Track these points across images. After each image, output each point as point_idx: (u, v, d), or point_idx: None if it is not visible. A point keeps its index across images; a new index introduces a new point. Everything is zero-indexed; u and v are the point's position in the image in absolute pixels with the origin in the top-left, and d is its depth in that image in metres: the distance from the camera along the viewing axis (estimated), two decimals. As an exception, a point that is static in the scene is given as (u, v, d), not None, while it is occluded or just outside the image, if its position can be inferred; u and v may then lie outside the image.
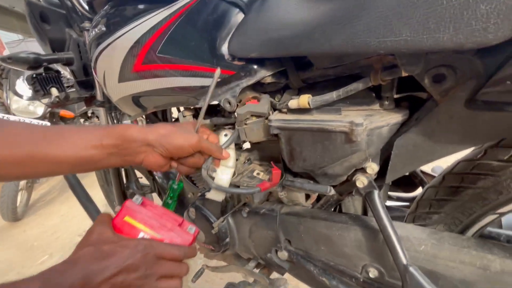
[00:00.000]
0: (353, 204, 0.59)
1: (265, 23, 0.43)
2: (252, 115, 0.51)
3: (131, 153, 0.44)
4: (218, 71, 0.45)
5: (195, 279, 0.75)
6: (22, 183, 2.20)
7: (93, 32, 0.64)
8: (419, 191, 0.62)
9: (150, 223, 0.42)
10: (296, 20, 0.39)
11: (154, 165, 0.46)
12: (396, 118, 0.38)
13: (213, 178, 0.53)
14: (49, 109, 2.35)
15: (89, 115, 2.76)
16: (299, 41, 0.38)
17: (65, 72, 1.42)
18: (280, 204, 0.63)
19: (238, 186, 0.55)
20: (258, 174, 0.55)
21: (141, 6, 0.56)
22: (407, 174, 0.69)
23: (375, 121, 0.38)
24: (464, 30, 0.24)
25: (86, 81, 0.91)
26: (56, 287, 0.29)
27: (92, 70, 0.80)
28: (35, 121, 2.18)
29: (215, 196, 0.53)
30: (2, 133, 0.35)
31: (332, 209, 0.60)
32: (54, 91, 0.85)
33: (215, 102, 0.55)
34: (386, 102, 0.40)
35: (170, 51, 0.54)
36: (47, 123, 2.24)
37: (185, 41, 0.52)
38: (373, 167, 0.42)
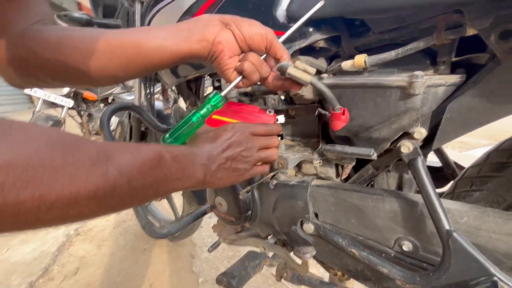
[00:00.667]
0: (387, 182, 0.58)
1: (329, -16, 0.46)
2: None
3: (206, 32, 0.40)
4: (321, 2, 0.43)
5: (211, 249, 0.74)
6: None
7: (152, -6, 0.68)
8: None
9: (235, 115, 0.50)
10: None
11: (226, 46, 0.41)
12: (453, 79, 0.39)
13: None
14: (73, 89, 2.43)
15: (109, 100, 2.84)
16: (364, -3, 0.40)
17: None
18: (311, 176, 0.63)
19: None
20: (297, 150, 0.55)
21: (203, -29, 0.60)
22: (439, 166, 0.68)
23: (433, 78, 0.38)
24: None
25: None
26: (188, 162, 0.37)
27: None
28: (60, 98, 2.26)
29: (300, 73, 0.43)
30: (110, 32, 0.40)
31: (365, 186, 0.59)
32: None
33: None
34: (442, 67, 0.41)
35: (227, 12, 0.56)
36: (70, 100, 2.31)
37: (243, 4, 0.55)
38: (421, 131, 0.43)
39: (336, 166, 0.63)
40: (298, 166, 0.68)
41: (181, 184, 0.37)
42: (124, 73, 0.42)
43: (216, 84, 0.89)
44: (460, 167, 0.66)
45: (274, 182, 0.67)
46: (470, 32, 0.36)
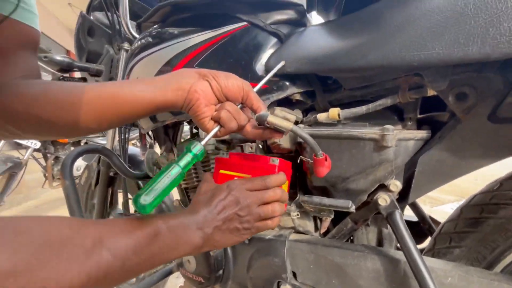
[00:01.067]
0: (367, 237, 0.56)
1: (302, 45, 0.50)
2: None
3: (182, 82, 0.41)
4: (282, 63, 0.47)
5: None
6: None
7: (138, 43, 0.70)
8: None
9: (239, 168, 0.48)
10: (331, 42, 0.46)
11: (202, 94, 0.41)
12: (421, 134, 0.41)
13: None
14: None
15: (82, 143, 2.72)
16: (334, 58, 0.44)
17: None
18: (289, 230, 0.59)
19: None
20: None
21: (189, 28, 0.64)
22: (416, 220, 0.68)
23: (403, 133, 0.40)
24: (490, 43, 0.30)
25: (106, 94, 0.95)
26: (184, 229, 0.37)
27: (123, 78, 0.85)
28: (25, 139, 2.12)
29: (280, 120, 0.43)
30: (86, 86, 0.41)
31: (344, 241, 0.56)
32: (74, 96, 0.87)
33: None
34: (409, 123, 0.44)
35: (208, 66, 0.59)
36: (37, 142, 2.18)
37: (225, 58, 0.58)
38: (397, 184, 0.43)
39: (315, 219, 0.60)
40: (275, 218, 0.64)
41: (177, 253, 0.37)
42: (97, 125, 0.42)
43: (195, 130, 0.88)
44: (436, 222, 0.66)
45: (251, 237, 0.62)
46: (431, 92, 0.39)
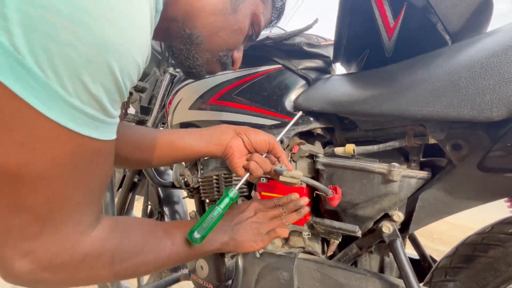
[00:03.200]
0: (370, 263, 0.61)
1: (327, 89, 0.61)
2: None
3: (221, 138, 0.53)
4: (300, 113, 0.60)
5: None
6: None
7: (186, 71, 0.83)
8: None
9: (276, 190, 0.62)
10: (353, 90, 0.56)
11: (236, 150, 0.52)
12: (422, 174, 0.49)
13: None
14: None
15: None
16: (354, 103, 0.53)
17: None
18: (299, 249, 0.65)
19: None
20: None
21: (232, 63, 0.77)
22: (417, 258, 0.72)
23: (407, 171, 0.48)
24: (477, 108, 0.39)
25: (146, 108, 1.07)
26: (216, 231, 0.48)
27: (162, 99, 0.98)
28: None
29: (289, 178, 0.53)
30: (153, 131, 0.56)
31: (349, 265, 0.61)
32: (120, 107, 1.00)
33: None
34: (413, 164, 0.52)
35: (245, 96, 0.70)
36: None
37: (260, 92, 0.69)
38: (399, 215, 0.50)
39: (323, 242, 0.65)
40: (286, 238, 0.70)
41: (210, 247, 0.50)
42: (156, 163, 0.56)
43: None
44: (435, 261, 0.70)
45: (261, 251, 0.68)
46: (432, 141, 0.48)
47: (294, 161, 0.61)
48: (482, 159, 0.42)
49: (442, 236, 2.68)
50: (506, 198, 0.50)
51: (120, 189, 1.15)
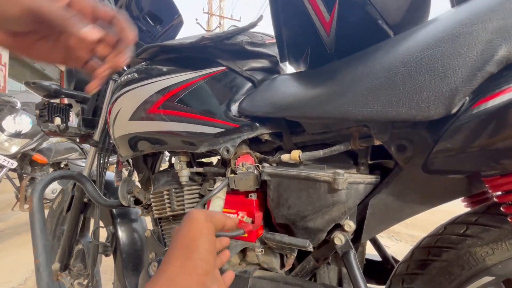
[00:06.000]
0: (328, 275, 0.57)
1: (272, 92, 0.56)
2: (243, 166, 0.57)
3: None
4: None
5: None
6: None
7: (124, 78, 0.75)
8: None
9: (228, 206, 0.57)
10: (297, 91, 0.51)
11: None
12: (370, 178, 0.46)
13: None
14: (23, 150, 2.26)
15: (62, 166, 2.65)
16: (298, 105, 0.49)
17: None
18: (254, 266, 0.59)
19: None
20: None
21: (174, 67, 0.70)
22: (380, 260, 0.70)
23: (353, 177, 0.44)
24: (415, 107, 0.35)
25: (90, 120, 0.97)
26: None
27: (106, 109, 0.88)
28: (3, 158, 2.06)
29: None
30: None
31: (307, 279, 0.57)
32: (57, 120, 0.89)
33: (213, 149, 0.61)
34: (362, 167, 0.48)
35: (187, 102, 0.64)
36: (14, 162, 2.11)
37: (203, 97, 0.63)
38: (350, 224, 0.46)
39: (281, 256, 0.61)
40: (243, 254, 0.64)
41: None
42: None
43: (173, 161, 0.91)
44: (397, 262, 0.68)
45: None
46: (377, 142, 0.44)
47: (236, 173, 0.55)
48: (425, 160, 0.39)
49: (415, 220, 2.77)
50: (462, 198, 0.48)
51: (69, 212, 1.03)
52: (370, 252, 0.71)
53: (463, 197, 0.48)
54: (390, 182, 0.45)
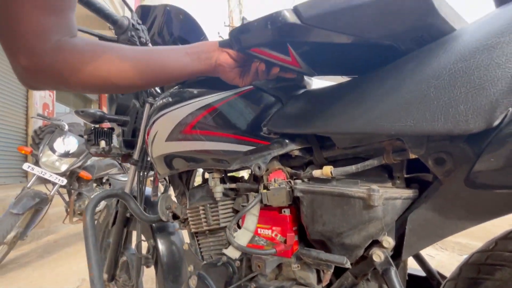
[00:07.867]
0: (368, 292, 0.55)
1: (300, 108, 0.57)
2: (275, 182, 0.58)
3: (207, 56, 0.56)
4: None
5: None
6: (9, 236, 2.07)
7: (160, 102, 0.81)
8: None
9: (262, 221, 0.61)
10: (325, 107, 0.52)
11: (226, 64, 0.57)
12: (407, 193, 0.44)
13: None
14: (71, 168, 2.49)
15: (103, 181, 2.86)
16: (327, 121, 0.49)
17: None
18: (290, 282, 0.60)
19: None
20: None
21: (203, 90, 0.74)
22: (424, 276, 0.66)
23: (389, 192, 0.43)
24: (452, 121, 0.34)
25: (130, 141, 1.06)
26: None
27: (145, 131, 0.96)
28: (55, 176, 2.29)
29: (231, 253, 0.54)
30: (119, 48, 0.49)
31: (346, 296, 0.56)
32: (102, 143, 0.99)
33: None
34: (398, 181, 0.47)
35: (218, 122, 0.67)
36: (64, 179, 2.33)
37: (232, 117, 0.66)
38: (389, 240, 0.45)
39: (317, 271, 0.60)
40: (279, 269, 0.65)
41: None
42: (141, 83, 0.52)
43: (206, 177, 0.95)
44: (444, 278, 0.64)
45: (253, 285, 0.63)
46: (412, 156, 0.43)
47: (268, 189, 0.57)
48: (468, 174, 0.37)
49: None
50: None
51: (114, 226, 1.12)
52: (413, 266, 0.67)
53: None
54: (430, 196, 0.43)
